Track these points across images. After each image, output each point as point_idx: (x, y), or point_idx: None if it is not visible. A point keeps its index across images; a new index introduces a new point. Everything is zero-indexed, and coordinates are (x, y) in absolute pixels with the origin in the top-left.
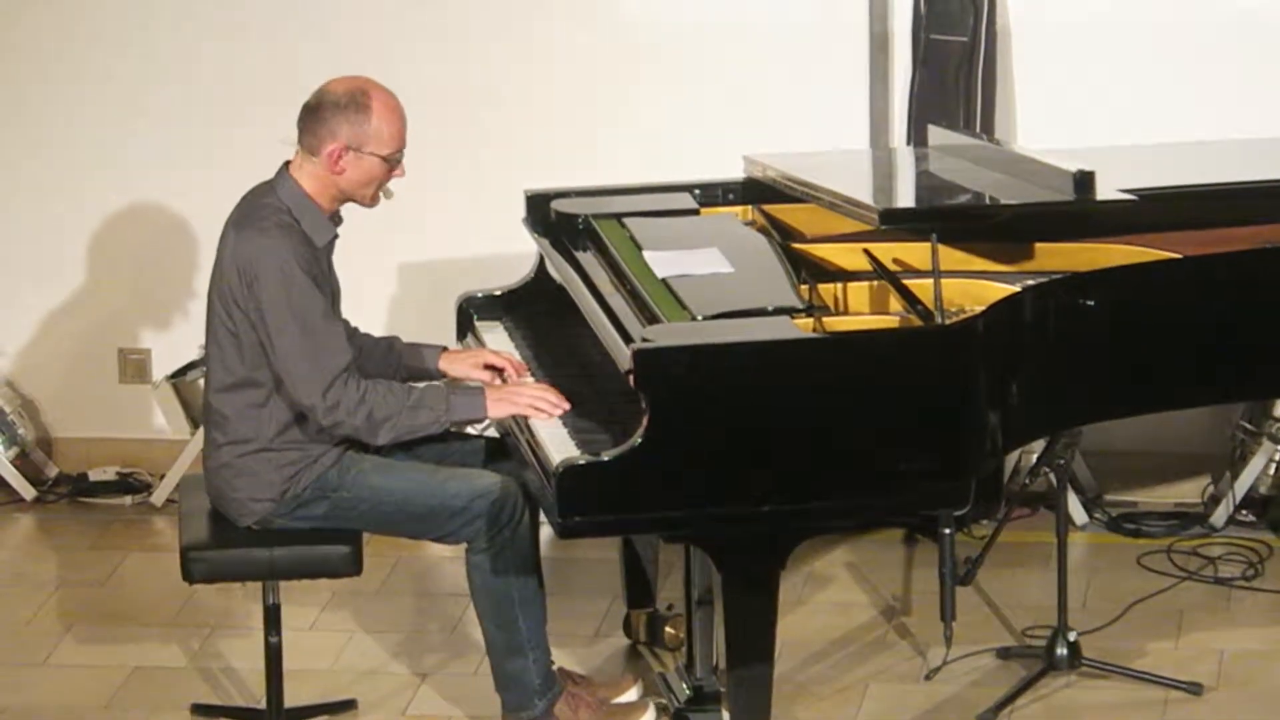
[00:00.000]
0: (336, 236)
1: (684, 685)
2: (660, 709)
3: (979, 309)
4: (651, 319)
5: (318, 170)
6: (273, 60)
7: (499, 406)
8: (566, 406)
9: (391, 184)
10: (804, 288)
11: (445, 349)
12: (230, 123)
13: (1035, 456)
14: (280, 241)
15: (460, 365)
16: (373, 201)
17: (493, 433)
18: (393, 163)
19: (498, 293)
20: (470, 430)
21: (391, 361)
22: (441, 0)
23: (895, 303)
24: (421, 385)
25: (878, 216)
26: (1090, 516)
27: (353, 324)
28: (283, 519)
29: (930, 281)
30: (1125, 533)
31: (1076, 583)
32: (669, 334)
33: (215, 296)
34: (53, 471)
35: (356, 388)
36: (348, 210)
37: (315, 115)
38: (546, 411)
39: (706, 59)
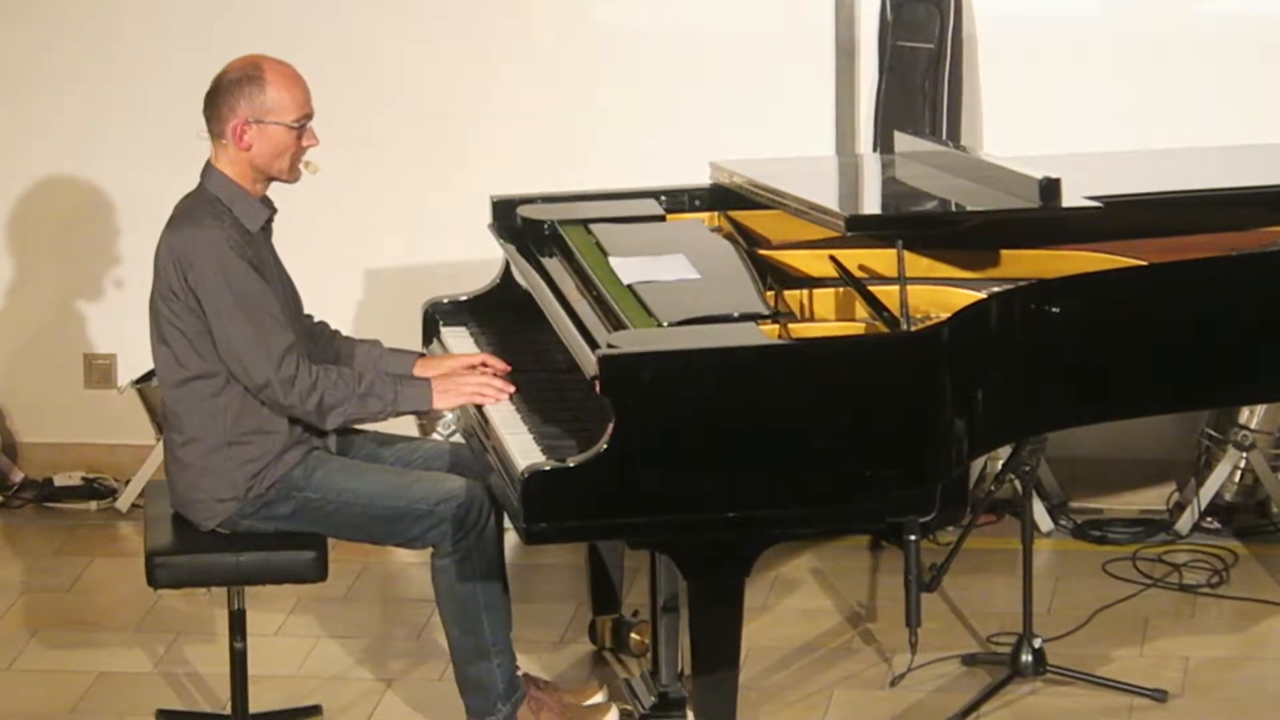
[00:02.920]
0: (271, 220)
1: (649, 691)
2: (625, 715)
3: (945, 315)
4: (617, 325)
5: (230, 153)
6: None
7: (444, 397)
8: (511, 389)
9: (314, 158)
10: (770, 294)
11: (422, 355)
12: (198, 128)
13: (1001, 463)
14: (213, 229)
15: (434, 372)
16: (292, 175)
17: (458, 438)
18: (299, 130)
19: (464, 298)
20: (436, 436)
21: (366, 366)
22: (411, 5)
23: (861, 309)
24: (370, 374)
25: (843, 223)
26: (1055, 523)
27: (331, 327)
28: (248, 520)
29: (896, 288)
30: (1090, 540)
31: (1042, 589)
32: (635, 340)
33: (157, 297)
34: (18, 476)
35: (309, 372)
36: (314, 214)
37: (214, 98)
38: (491, 398)
39: (673, 65)
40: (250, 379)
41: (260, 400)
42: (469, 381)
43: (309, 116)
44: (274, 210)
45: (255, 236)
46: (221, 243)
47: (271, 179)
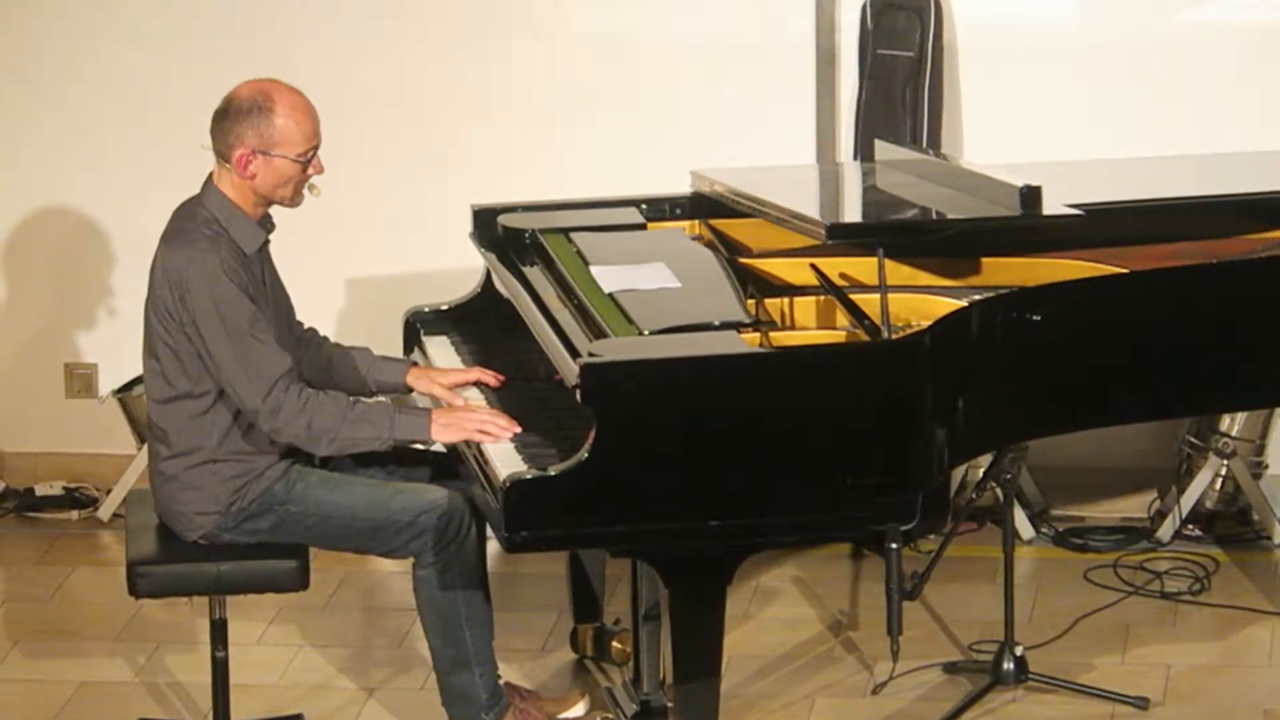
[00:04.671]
0: (268, 241)
1: (631, 700)
2: None
3: (926, 324)
4: (598, 334)
5: (233, 177)
6: (219, 72)
7: (445, 431)
8: (517, 429)
9: (319, 182)
10: (751, 302)
11: (414, 364)
12: (178, 138)
13: (982, 471)
14: (208, 253)
15: (426, 383)
16: (294, 201)
17: (440, 447)
18: (305, 162)
19: (445, 307)
20: (417, 445)
21: (358, 375)
22: (393, 13)
23: (842, 317)
24: (368, 400)
25: (824, 231)
26: (1037, 531)
27: (321, 334)
28: (229, 533)
29: (877, 296)
30: (1072, 547)
31: (1023, 597)
32: (616, 349)
33: (151, 312)
34: None
35: (299, 396)
36: (295, 223)
37: (222, 122)
38: (495, 436)
39: (654, 74)
40: (242, 404)
41: (251, 424)
42: (472, 418)
43: (316, 148)
44: (271, 229)
45: (251, 257)
46: (216, 267)
47: (273, 203)
